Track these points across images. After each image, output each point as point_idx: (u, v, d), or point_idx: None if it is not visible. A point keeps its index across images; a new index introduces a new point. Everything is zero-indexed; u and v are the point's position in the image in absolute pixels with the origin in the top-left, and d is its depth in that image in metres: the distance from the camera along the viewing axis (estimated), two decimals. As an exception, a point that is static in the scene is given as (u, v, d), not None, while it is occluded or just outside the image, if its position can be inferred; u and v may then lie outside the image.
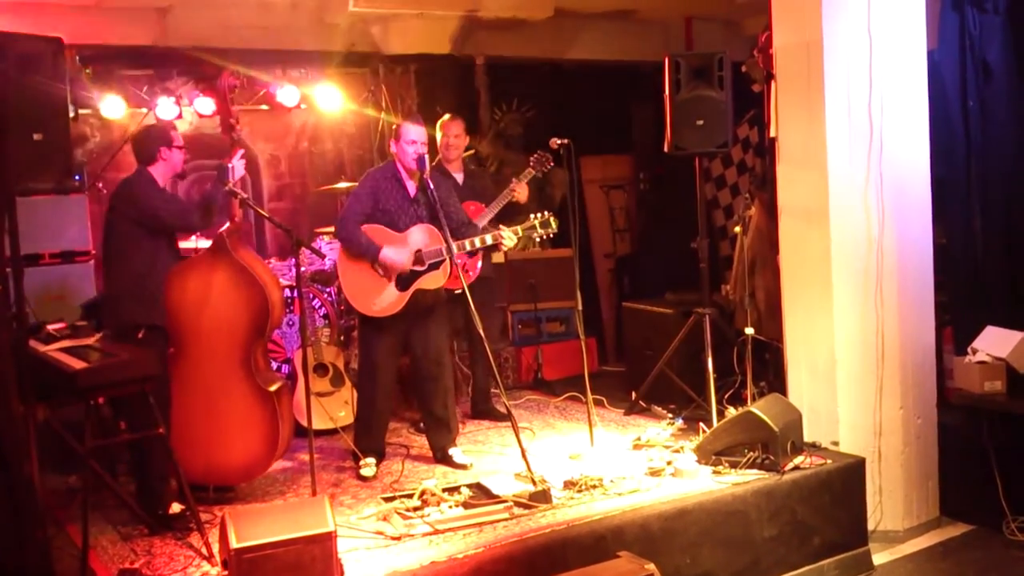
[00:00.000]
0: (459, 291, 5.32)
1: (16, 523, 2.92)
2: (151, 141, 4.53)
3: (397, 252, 4.74)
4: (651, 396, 5.90)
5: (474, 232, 4.93)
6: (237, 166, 4.52)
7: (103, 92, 6.57)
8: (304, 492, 4.62)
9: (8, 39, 3.70)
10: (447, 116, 5.86)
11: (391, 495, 4.35)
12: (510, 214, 5.62)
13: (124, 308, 4.45)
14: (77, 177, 5.70)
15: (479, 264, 5.72)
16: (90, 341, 4.25)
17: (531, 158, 5.64)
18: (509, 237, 4.92)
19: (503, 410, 5.34)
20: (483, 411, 5.99)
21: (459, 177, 5.81)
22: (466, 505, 4.14)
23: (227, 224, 4.54)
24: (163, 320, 4.43)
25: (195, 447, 4.33)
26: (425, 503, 4.15)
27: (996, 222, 5.71)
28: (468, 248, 4.84)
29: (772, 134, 5.22)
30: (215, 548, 3.81)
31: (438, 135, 5.75)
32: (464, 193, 5.62)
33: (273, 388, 4.47)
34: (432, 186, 4.72)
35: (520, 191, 5.65)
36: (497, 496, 4.23)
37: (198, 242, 5.67)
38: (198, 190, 6.32)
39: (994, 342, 5.03)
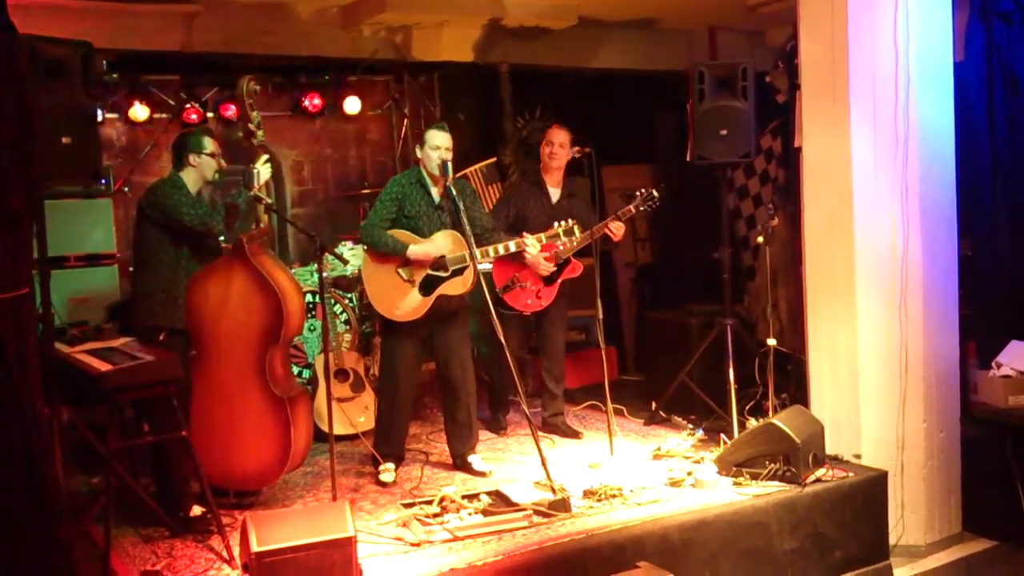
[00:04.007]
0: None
1: (39, 523, 2.94)
2: (181, 147, 4.57)
3: (423, 245, 4.75)
4: (671, 406, 5.87)
5: (499, 239, 4.93)
6: (262, 171, 4.53)
7: (129, 97, 6.63)
8: (324, 497, 4.64)
9: (38, 43, 3.74)
10: (552, 121, 5.67)
11: (411, 501, 4.35)
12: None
13: (148, 311, 4.48)
14: (103, 181, 5.75)
15: (554, 294, 5.48)
16: (115, 343, 4.27)
17: (637, 193, 5.22)
18: (533, 244, 4.93)
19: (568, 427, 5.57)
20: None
21: (555, 193, 5.55)
22: (485, 512, 4.14)
23: (253, 228, 4.56)
24: (185, 324, 4.45)
25: (212, 451, 4.33)
26: (444, 510, 4.15)
27: (1022, 235, 5.66)
28: (492, 254, 4.84)
29: (797, 144, 5.21)
30: (235, 551, 3.83)
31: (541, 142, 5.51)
32: (558, 213, 5.29)
33: (289, 396, 4.44)
34: (455, 192, 4.73)
35: (618, 230, 5.24)
36: (516, 504, 4.23)
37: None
38: (222, 194, 6.35)
39: (1019, 356, 5.01)
